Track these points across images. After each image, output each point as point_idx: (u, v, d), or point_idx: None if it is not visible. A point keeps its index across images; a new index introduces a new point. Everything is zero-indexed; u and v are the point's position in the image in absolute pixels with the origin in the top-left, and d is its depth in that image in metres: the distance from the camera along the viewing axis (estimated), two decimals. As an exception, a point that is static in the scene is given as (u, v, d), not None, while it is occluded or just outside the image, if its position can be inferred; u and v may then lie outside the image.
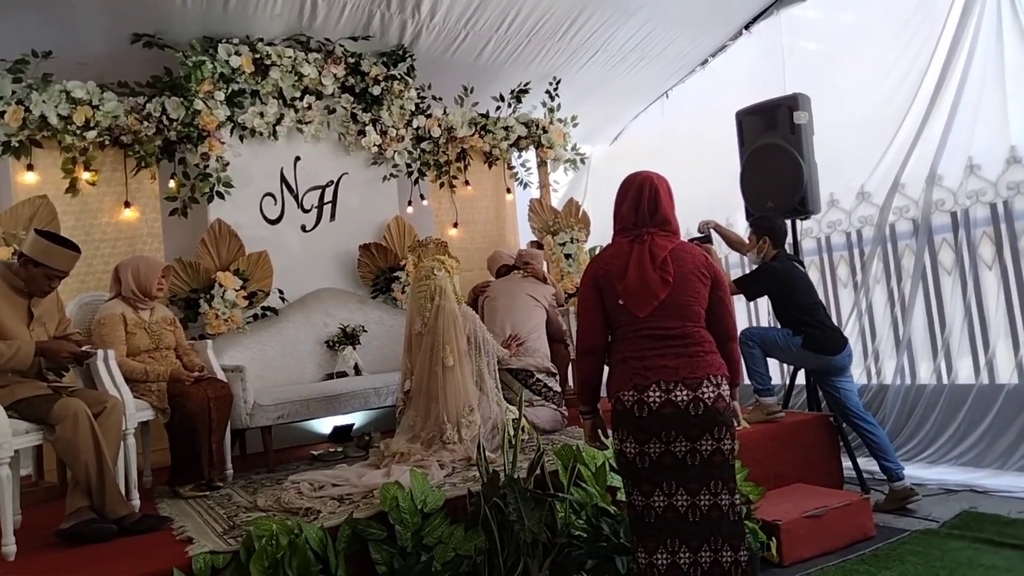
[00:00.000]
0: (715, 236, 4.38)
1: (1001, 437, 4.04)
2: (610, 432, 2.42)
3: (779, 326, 4.05)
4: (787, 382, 4.49)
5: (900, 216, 4.57)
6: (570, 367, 5.10)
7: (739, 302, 5.62)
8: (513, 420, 3.54)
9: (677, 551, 2.19)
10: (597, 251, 6.04)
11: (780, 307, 4.01)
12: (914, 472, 4.01)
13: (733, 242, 4.43)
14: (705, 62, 5.94)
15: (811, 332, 3.83)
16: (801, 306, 3.89)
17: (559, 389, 4.44)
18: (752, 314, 5.56)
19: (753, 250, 4.06)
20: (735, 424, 2.32)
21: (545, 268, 5.58)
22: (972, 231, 4.24)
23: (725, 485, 2.23)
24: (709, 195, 5.43)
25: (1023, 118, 4.03)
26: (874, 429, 3.82)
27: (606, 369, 2.43)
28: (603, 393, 2.47)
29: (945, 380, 4.36)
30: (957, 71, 4.27)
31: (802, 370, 4.26)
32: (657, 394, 2.20)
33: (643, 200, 2.35)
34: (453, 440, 3.48)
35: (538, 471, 2.89)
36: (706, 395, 2.20)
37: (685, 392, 2.19)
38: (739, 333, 3.98)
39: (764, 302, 5.12)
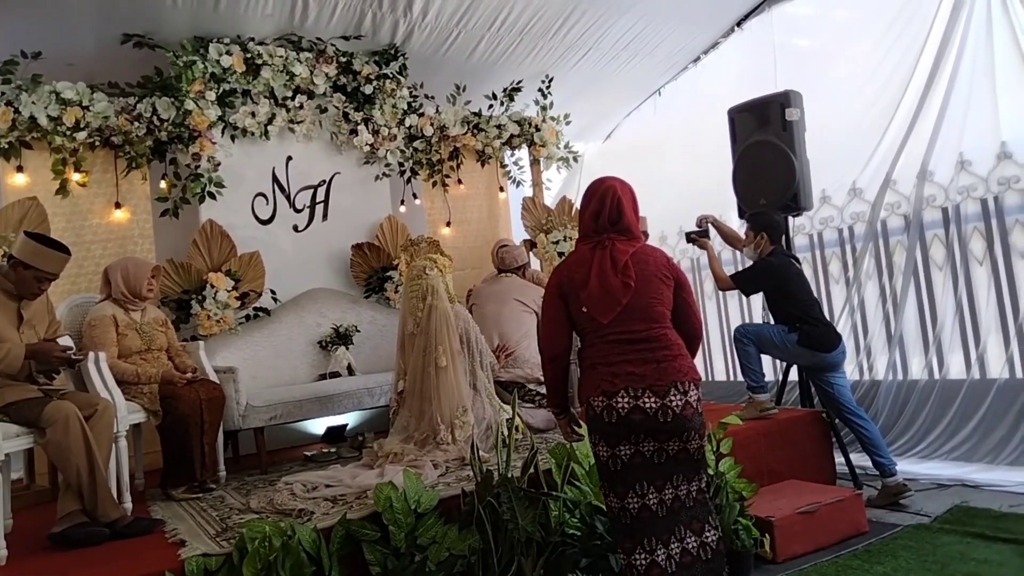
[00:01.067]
0: (712, 231, 4.38)
1: (992, 432, 4.05)
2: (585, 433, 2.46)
3: (772, 322, 4.06)
4: (779, 378, 4.50)
5: (892, 212, 4.58)
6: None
7: (731, 298, 5.65)
8: (507, 419, 3.55)
9: (655, 549, 2.25)
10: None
11: (775, 303, 4.01)
12: (906, 467, 4.02)
13: (730, 237, 4.42)
14: (697, 59, 5.94)
15: (806, 329, 3.83)
16: (797, 303, 3.89)
17: None
18: (745, 310, 5.57)
19: (750, 246, 4.04)
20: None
21: (536, 264, 5.59)
22: (963, 227, 4.25)
23: (685, 476, 2.31)
24: (701, 191, 5.44)
25: (1013, 113, 4.02)
26: (867, 425, 3.83)
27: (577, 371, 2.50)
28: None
29: (936, 375, 4.37)
30: (947, 67, 4.27)
31: (795, 366, 4.27)
32: (626, 400, 2.24)
33: (605, 210, 2.39)
34: (447, 441, 3.48)
35: (532, 470, 2.89)
36: (673, 403, 2.25)
37: (653, 399, 2.24)
38: (734, 330, 4.01)
39: (758, 298, 5.12)
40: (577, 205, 5.85)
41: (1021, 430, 3.95)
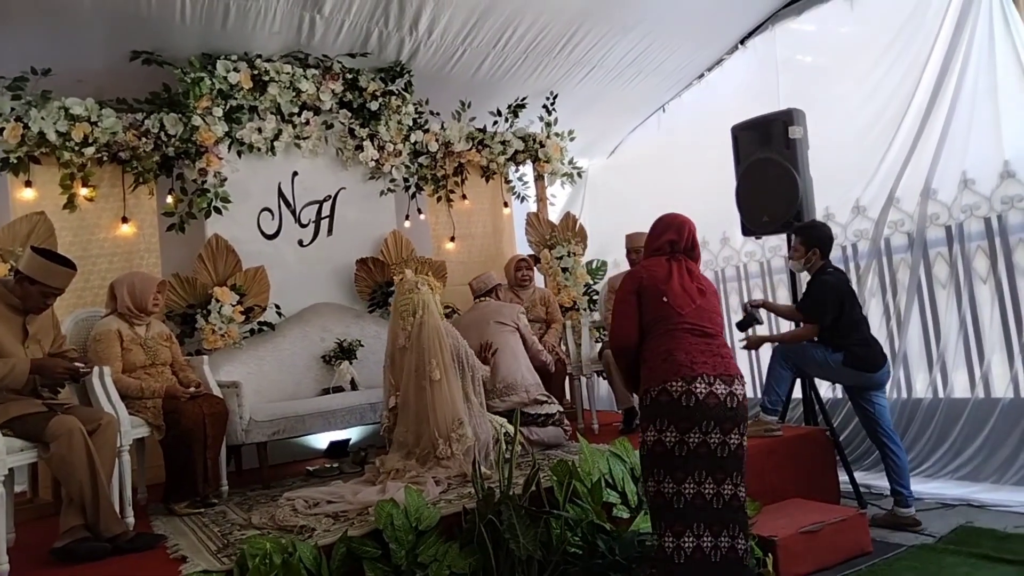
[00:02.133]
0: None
1: (997, 451, 4.03)
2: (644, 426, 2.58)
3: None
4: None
5: (895, 230, 4.58)
6: (566, 380, 5.10)
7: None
8: (507, 435, 3.55)
9: (702, 535, 2.43)
10: (595, 264, 6.06)
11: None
12: (911, 486, 3.99)
13: (786, 314, 4.21)
14: (701, 76, 5.97)
15: (853, 349, 3.70)
16: (849, 322, 3.72)
17: (557, 410, 4.27)
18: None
19: (800, 260, 3.89)
20: None
21: (539, 280, 5.59)
22: (967, 245, 4.25)
23: (742, 477, 2.51)
24: (706, 208, 5.43)
25: (1016, 132, 4.03)
26: (898, 451, 3.72)
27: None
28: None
29: (941, 394, 4.35)
30: (951, 85, 4.29)
31: (798, 383, 4.22)
32: (703, 386, 2.46)
33: (682, 240, 2.75)
34: (447, 455, 3.47)
35: (533, 488, 2.89)
36: (738, 392, 2.52)
37: (723, 387, 2.48)
38: (775, 348, 3.93)
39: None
40: (581, 221, 5.95)
41: (1026, 450, 3.93)
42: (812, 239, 3.85)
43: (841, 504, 3.83)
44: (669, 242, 2.74)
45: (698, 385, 2.44)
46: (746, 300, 4.31)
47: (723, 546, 2.42)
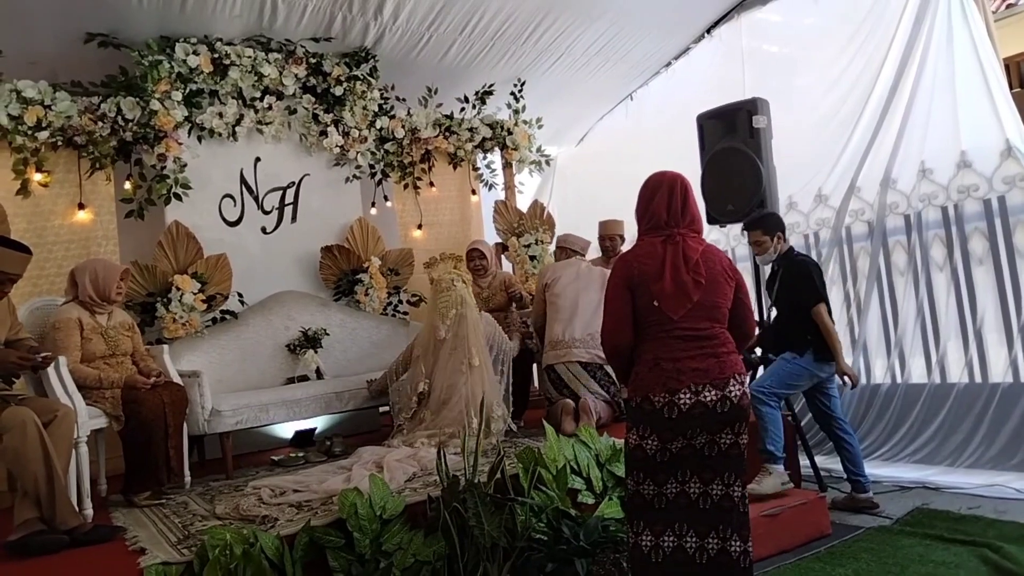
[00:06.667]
0: None
1: (952, 435, 4.15)
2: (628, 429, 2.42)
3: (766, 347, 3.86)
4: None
5: (856, 218, 4.66)
6: (533, 367, 5.10)
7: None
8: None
9: (684, 535, 2.27)
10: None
11: (793, 315, 3.67)
12: (870, 469, 4.05)
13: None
14: (668, 65, 6.00)
15: (813, 341, 3.60)
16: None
17: (616, 391, 4.17)
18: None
19: (769, 251, 3.81)
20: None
21: (507, 267, 5.58)
22: (924, 233, 4.34)
23: (738, 477, 2.31)
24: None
25: (973, 123, 4.13)
26: (852, 440, 3.75)
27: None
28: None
29: (899, 379, 4.45)
30: (910, 76, 4.37)
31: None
32: (688, 396, 2.26)
33: (675, 198, 2.39)
34: (475, 434, 3.60)
35: (499, 475, 2.89)
36: (733, 393, 2.28)
37: (713, 392, 2.26)
38: (752, 388, 3.64)
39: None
40: (549, 208, 5.95)
41: (979, 434, 4.05)
42: (772, 225, 3.83)
43: (802, 488, 3.90)
44: (665, 203, 2.37)
45: (682, 396, 2.24)
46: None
47: (711, 548, 2.25)
